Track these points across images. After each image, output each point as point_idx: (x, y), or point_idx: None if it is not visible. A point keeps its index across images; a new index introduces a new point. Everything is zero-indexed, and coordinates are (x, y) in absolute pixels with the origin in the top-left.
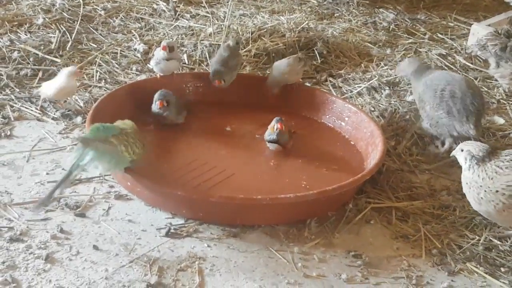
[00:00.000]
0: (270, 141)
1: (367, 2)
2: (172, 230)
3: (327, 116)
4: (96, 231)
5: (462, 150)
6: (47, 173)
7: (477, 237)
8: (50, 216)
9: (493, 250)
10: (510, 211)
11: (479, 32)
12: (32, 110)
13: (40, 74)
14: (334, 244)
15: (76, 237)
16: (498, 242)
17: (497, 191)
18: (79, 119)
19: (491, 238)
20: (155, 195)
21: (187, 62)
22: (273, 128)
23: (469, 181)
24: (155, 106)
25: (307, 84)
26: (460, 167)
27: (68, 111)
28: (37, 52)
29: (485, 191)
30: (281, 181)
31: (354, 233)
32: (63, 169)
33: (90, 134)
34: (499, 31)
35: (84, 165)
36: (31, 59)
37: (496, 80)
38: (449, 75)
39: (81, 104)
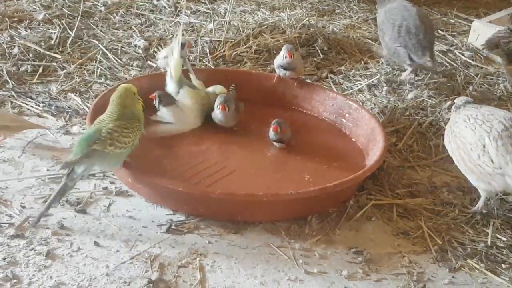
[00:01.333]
0: (274, 141)
1: None
2: (173, 227)
3: (328, 113)
4: (97, 228)
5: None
6: (48, 169)
7: (478, 233)
8: (51, 212)
9: (494, 247)
10: (451, 145)
11: (479, 28)
12: (32, 106)
13: (40, 70)
14: (335, 240)
15: (77, 233)
16: (503, 238)
17: (449, 125)
18: (79, 115)
19: (492, 234)
20: (156, 192)
21: (190, 59)
22: (271, 129)
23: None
24: (217, 111)
25: (308, 80)
26: None
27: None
28: (37, 48)
29: (445, 123)
30: (282, 177)
31: (355, 230)
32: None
33: (76, 152)
34: (511, 29)
35: (78, 176)
36: (31, 55)
37: (498, 77)
38: (405, 9)
39: (79, 101)
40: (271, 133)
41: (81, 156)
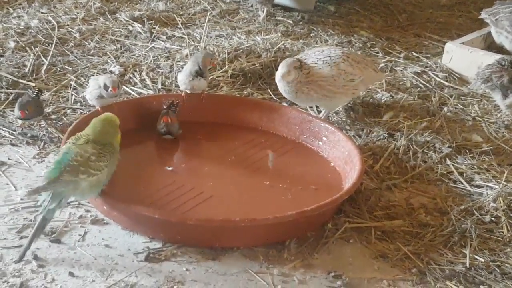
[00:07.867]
0: (163, 134)
1: (343, 21)
2: (150, 255)
3: (305, 136)
4: (72, 257)
5: None
6: (21, 199)
7: (456, 255)
8: (25, 243)
9: (472, 268)
10: (317, 93)
11: (453, 50)
12: (6, 135)
13: (11, 97)
14: (313, 265)
15: (51, 263)
16: (481, 259)
17: (294, 91)
18: (53, 143)
19: (470, 255)
20: (132, 219)
21: (166, 84)
22: (161, 121)
23: None
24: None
25: (284, 104)
26: (436, 184)
27: None
28: (10, 76)
29: None
30: (260, 201)
31: (333, 253)
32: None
33: (48, 177)
34: (502, 63)
35: (55, 208)
36: (4, 83)
37: (472, 98)
38: None
39: (53, 129)
40: (161, 126)
41: (48, 182)
